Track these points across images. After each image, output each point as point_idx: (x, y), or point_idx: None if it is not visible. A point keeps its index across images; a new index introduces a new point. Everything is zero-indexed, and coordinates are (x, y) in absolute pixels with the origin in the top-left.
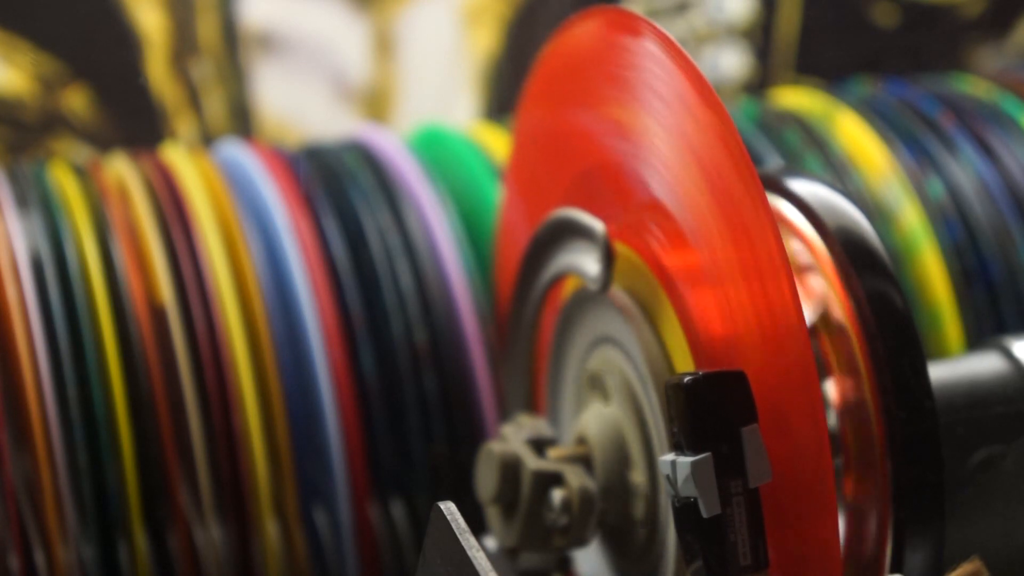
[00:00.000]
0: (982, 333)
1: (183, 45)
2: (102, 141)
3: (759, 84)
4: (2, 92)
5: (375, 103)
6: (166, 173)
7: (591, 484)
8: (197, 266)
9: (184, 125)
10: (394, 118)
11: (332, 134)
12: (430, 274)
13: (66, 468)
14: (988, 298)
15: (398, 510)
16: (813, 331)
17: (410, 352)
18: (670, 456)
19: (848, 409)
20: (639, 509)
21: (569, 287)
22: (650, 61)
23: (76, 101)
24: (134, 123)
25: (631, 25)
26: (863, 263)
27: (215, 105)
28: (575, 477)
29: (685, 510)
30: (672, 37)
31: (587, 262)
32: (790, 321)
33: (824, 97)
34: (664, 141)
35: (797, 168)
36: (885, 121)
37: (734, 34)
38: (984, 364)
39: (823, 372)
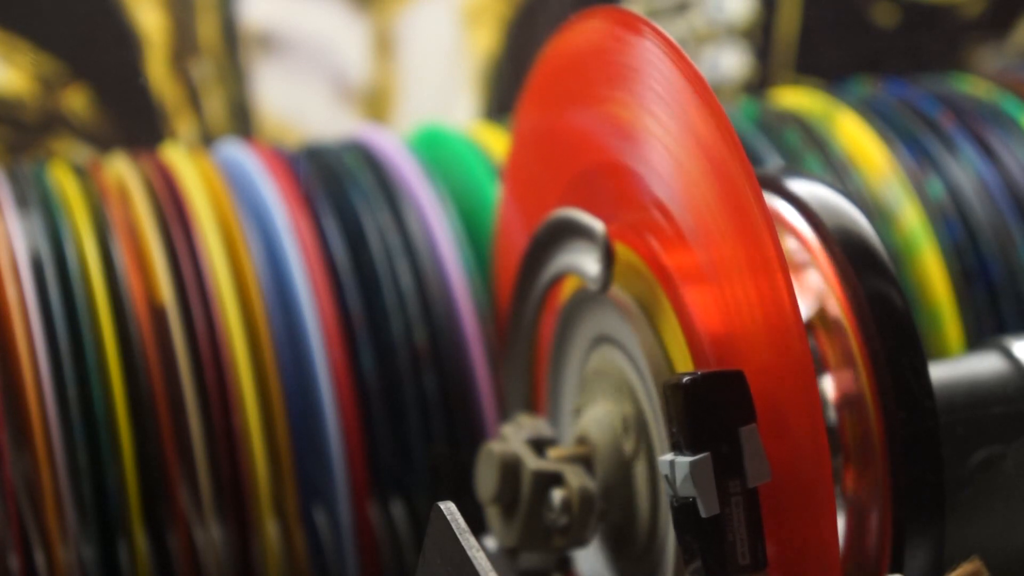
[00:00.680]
0: (982, 333)
1: (183, 45)
2: (102, 141)
3: (759, 84)
4: (2, 92)
5: (375, 103)
6: (166, 173)
7: (591, 484)
8: (197, 266)
9: (184, 125)
10: (394, 118)
11: (332, 134)
12: (430, 274)
13: (66, 468)
14: (988, 298)
15: (398, 510)
16: (813, 331)
17: (410, 352)
18: (669, 456)
19: (847, 409)
20: (639, 509)
21: (569, 287)
22: (650, 61)
23: (76, 101)
24: (134, 123)
25: (631, 25)
26: (863, 263)
27: (215, 105)
28: (575, 477)
29: (684, 510)
30: (672, 37)
31: (587, 262)
32: (789, 321)
33: (824, 97)
34: (664, 141)
35: (797, 168)
36: (885, 121)
37: (734, 34)
38: (984, 364)
39: (823, 372)
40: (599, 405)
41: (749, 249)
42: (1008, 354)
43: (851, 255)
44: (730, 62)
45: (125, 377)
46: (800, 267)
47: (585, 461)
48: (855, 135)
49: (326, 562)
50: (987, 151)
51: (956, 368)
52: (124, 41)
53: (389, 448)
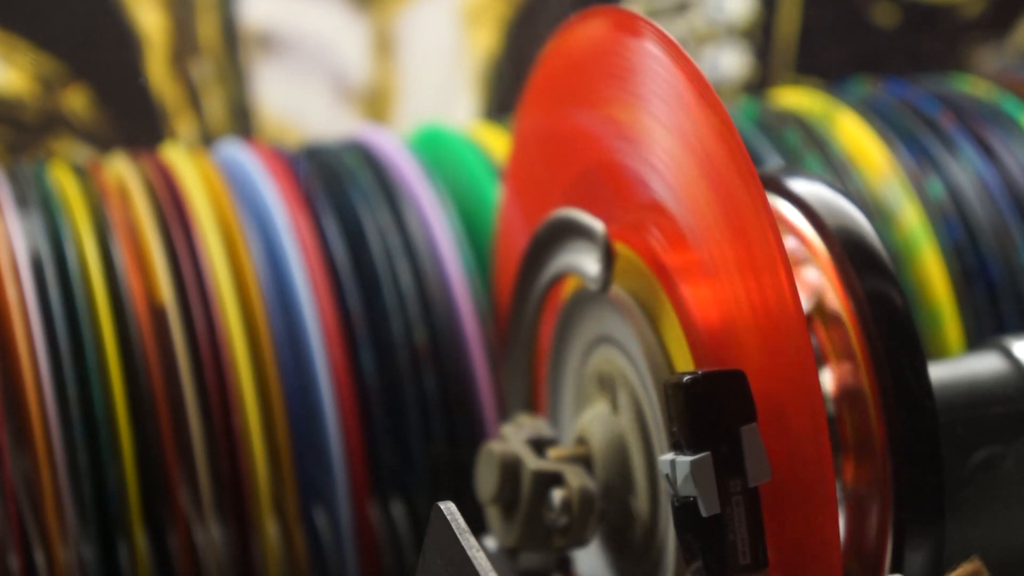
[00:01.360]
0: (982, 333)
1: (183, 45)
2: (102, 141)
3: (759, 84)
4: (2, 92)
5: (375, 103)
6: (166, 173)
7: (591, 484)
8: (197, 266)
9: (184, 125)
10: (394, 118)
11: (332, 134)
12: (430, 274)
13: (66, 468)
14: (988, 298)
15: (398, 510)
16: (813, 331)
17: (410, 352)
18: (669, 455)
19: (848, 408)
20: (639, 509)
21: (569, 287)
22: (650, 61)
23: (76, 101)
24: (134, 123)
25: (631, 25)
26: (863, 263)
27: (215, 105)
28: (575, 477)
29: (684, 509)
30: (672, 37)
31: (587, 262)
32: (790, 321)
33: (824, 97)
34: (664, 141)
35: (797, 168)
36: (885, 121)
37: (734, 34)
38: (984, 364)
39: (823, 372)
40: (599, 405)
41: (750, 248)
42: (1008, 354)
43: (851, 255)
44: (730, 62)
45: (125, 377)
46: (800, 267)
47: (585, 461)
48: (855, 135)
49: (326, 562)
50: (987, 151)
51: (956, 368)
52: (124, 41)
53: (389, 448)
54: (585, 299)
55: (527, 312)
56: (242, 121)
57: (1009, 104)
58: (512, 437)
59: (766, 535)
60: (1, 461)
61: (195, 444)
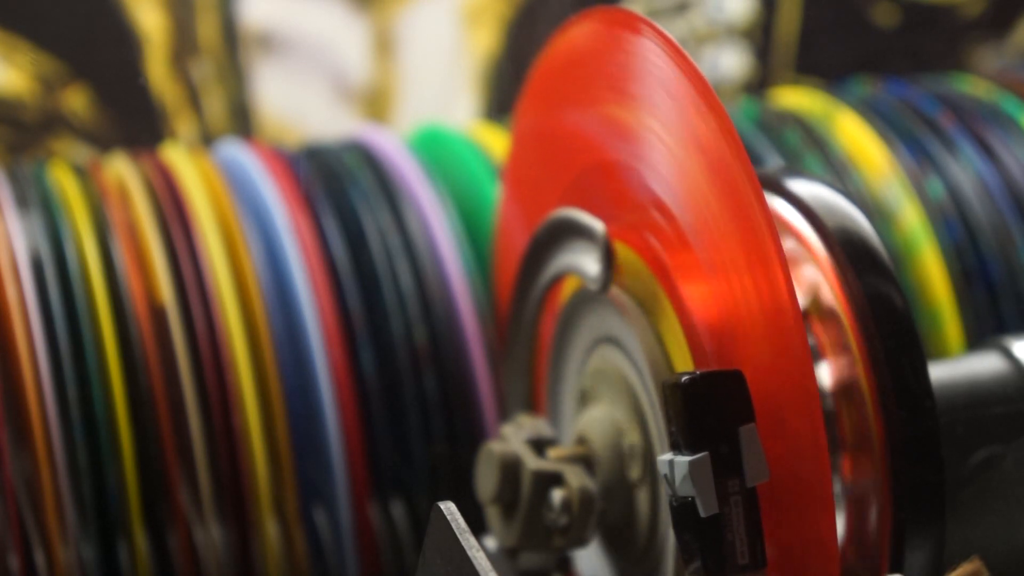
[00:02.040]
0: (982, 333)
1: (183, 45)
2: (102, 141)
3: (759, 84)
4: (2, 92)
5: (375, 103)
6: (166, 173)
7: (591, 484)
8: (197, 266)
9: (184, 125)
10: (394, 118)
11: (332, 134)
12: (430, 274)
13: (66, 468)
14: (988, 298)
15: (398, 510)
16: (813, 331)
17: (410, 352)
18: (668, 455)
19: (846, 408)
20: (639, 509)
21: (569, 287)
22: (650, 61)
23: (76, 101)
24: (134, 123)
25: (631, 25)
26: (863, 263)
27: (215, 105)
28: (575, 477)
29: (683, 509)
30: (672, 37)
31: (587, 262)
32: (788, 321)
33: (824, 97)
34: (664, 141)
35: (797, 168)
36: (885, 121)
37: (734, 34)
38: (984, 364)
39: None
40: (599, 405)
41: (749, 247)
42: (1008, 354)
43: (851, 255)
44: (730, 62)
45: (125, 377)
46: (801, 267)
47: (585, 461)
48: (855, 135)
49: (326, 562)
50: (987, 151)
51: (956, 368)
52: (124, 41)
53: (389, 448)
54: (585, 299)
55: (527, 312)
56: (242, 121)
57: (1009, 104)
58: (512, 437)
59: (764, 535)
60: (1, 461)
61: (195, 444)
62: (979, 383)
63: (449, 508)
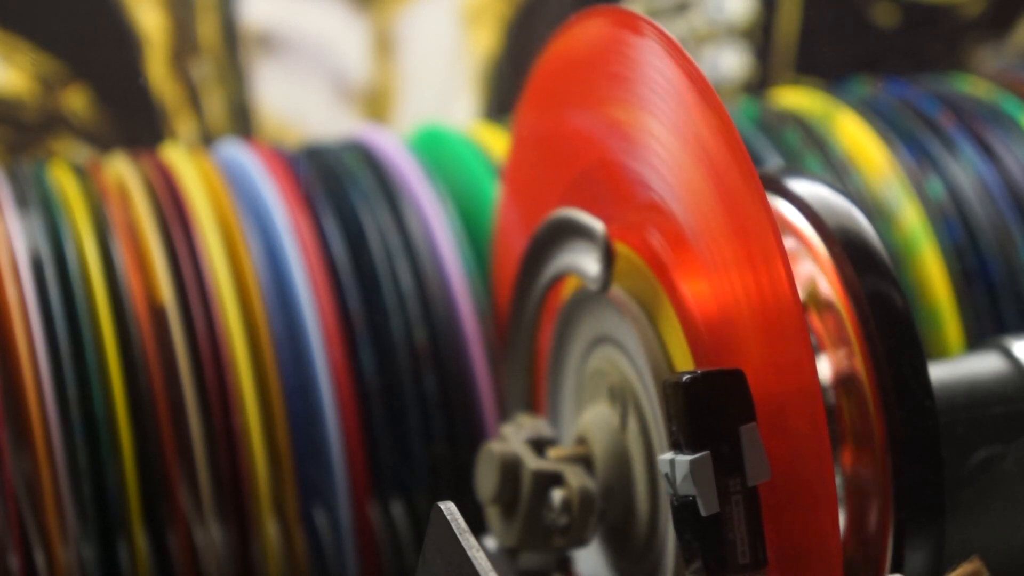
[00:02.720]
0: (982, 333)
1: (183, 45)
2: (102, 141)
3: (759, 84)
4: (2, 92)
5: (375, 103)
6: (166, 173)
7: (591, 484)
8: (197, 266)
9: (184, 125)
10: (394, 118)
11: (332, 134)
12: (430, 274)
13: (66, 468)
14: (988, 298)
15: (398, 510)
16: (813, 331)
17: (410, 352)
18: (669, 455)
19: (847, 408)
20: (639, 509)
21: (569, 287)
22: (650, 61)
23: (76, 101)
24: (134, 123)
25: (631, 25)
26: (863, 263)
27: (215, 105)
28: (575, 477)
29: (684, 509)
30: (672, 37)
31: (587, 262)
32: (789, 321)
33: (824, 97)
34: (664, 140)
35: (797, 168)
36: (885, 121)
37: (734, 34)
38: (984, 364)
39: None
40: (599, 405)
41: (750, 247)
42: (1008, 354)
43: (851, 255)
44: (730, 62)
45: (125, 377)
46: (801, 267)
47: (585, 461)
48: (855, 135)
49: (326, 562)
50: (987, 151)
51: (956, 368)
52: (124, 41)
53: (389, 448)
54: (585, 299)
55: (527, 312)
56: (242, 121)
57: (1009, 104)
58: (512, 437)
59: (765, 534)
60: (1, 461)
61: (195, 444)
62: (979, 383)
63: (449, 508)
